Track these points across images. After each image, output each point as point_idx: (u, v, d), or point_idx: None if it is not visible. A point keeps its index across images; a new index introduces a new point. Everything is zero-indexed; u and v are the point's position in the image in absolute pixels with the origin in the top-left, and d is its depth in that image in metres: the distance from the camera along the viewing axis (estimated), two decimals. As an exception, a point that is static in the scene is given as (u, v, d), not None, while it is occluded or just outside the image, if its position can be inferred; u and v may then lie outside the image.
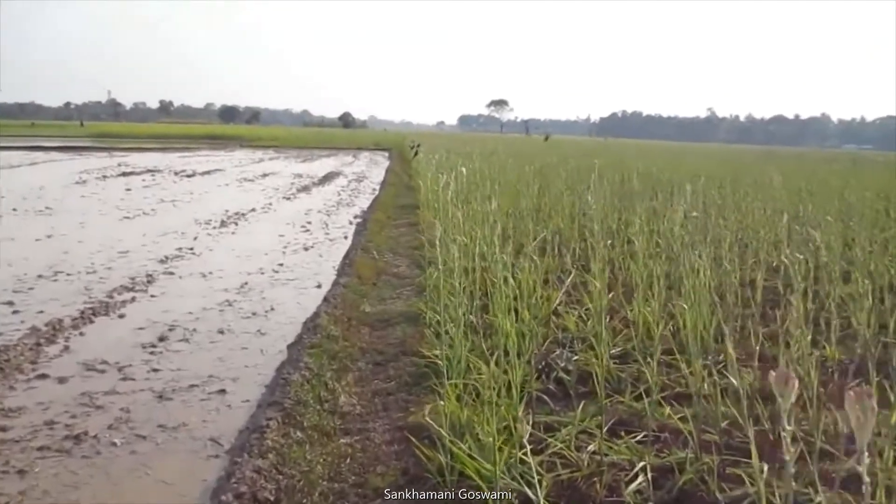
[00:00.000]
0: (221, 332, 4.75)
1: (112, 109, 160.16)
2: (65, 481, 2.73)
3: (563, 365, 4.14)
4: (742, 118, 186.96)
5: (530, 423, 3.12)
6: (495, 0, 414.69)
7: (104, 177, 16.86)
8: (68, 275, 6.29)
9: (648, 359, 4.17)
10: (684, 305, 4.57)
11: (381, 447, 3.11)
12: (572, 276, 5.58)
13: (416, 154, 16.40)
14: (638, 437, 3.23)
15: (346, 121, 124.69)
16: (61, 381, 3.77)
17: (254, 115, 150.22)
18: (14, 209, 10.61)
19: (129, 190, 14.00)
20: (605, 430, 3.22)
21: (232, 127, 78.50)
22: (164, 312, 5.18)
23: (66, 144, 33.73)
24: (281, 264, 7.08)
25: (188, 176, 17.98)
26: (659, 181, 10.76)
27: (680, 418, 3.29)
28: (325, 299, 5.50)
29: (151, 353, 4.27)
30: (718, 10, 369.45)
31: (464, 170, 5.63)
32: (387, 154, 33.10)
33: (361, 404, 3.59)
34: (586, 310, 5.21)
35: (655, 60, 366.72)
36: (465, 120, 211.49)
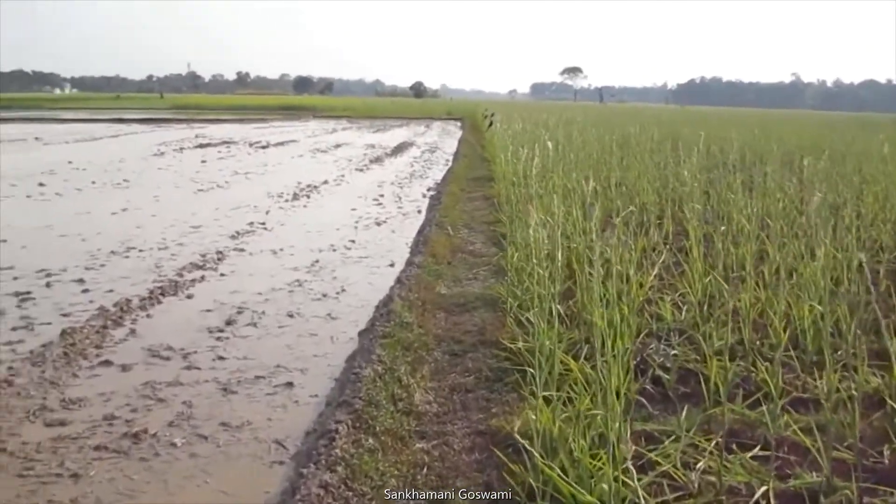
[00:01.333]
0: (291, 315, 4.52)
1: (191, 81, 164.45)
2: (119, 488, 2.51)
3: (660, 361, 3.72)
4: (829, 83, 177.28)
5: (628, 432, 2.76)
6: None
7: (181, 149, 17.06)
8: (140, 251, 6.20)
9: (758, 356, 3.72)
10: (800, 294, 4.08)
11: (460, 455, 2.78)
12: (664, 256, 5.11)
13: (490, 125, 15.91)
14: (754, 453, 2.80)
15: (417, 90, 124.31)
16: (125, 368, 3.59)
17: (327, 86, 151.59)
18: (93, 182, 10.74)
19: (204, 162, 14.07)
20: (716, 442, 2.81)
21: (306, 97, 79.36)
22: (232, 293, 4.99)
23: (147, 116, 34.66)
24: (353, 241, 6.83)
25: (262, 147, 18.03)
26: (754, 152, 10.02)
27: (803, 430, 2.85)
28: (399, 280, 5.21)
29: (218, 338, 4.06)
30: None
31: (549, 143, 5.18)
32: (459, 124, 32.63)
33: (438, 402, 3.27)
34: (681, 295, 4.75)
35: (736, 23, 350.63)
36: (537, 88, 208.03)
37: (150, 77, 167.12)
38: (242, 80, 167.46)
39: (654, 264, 5.03)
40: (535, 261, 4.37)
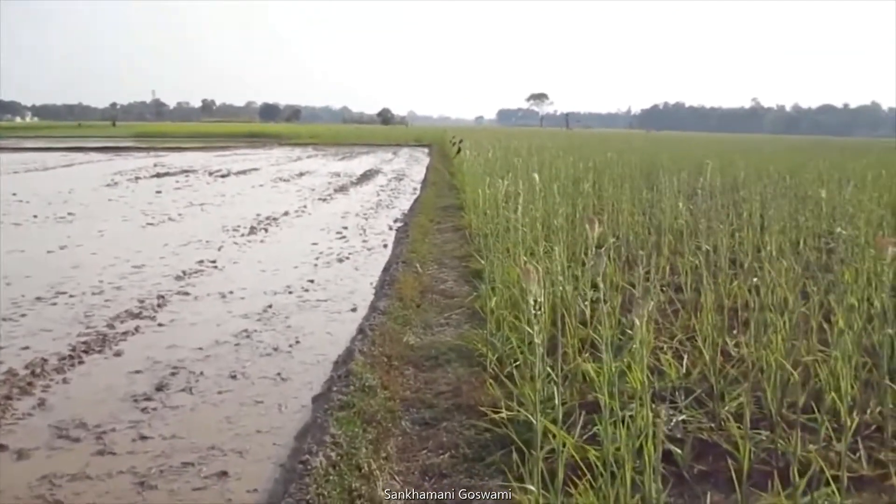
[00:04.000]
0: (234, 376, 3.88)
1: (156, 109, 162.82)
2: None
3: (668, 430, 3.16)
4: (788, 108, 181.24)
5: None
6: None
7: (136, 178, 16.28)
8: (70, 296, 5.51)
9: (782, 420, 3.19)
10: (831, 352, 3.55)
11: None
12: (651, 295, 4.58)
13: (458, 151, 15.44)
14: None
15: (384, 117, 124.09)
16: (21, 456, 2.92)
17: (294, 113, 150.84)
18: (35, 216, 9.96)
19: (159, 193, 13.33)
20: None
21: (272, 125, 78.60)
22: (169, 348, 4.33)
23: (107, 145, 33.62)
24: (311, 280, 6.20)
25: (223, 176, 17.33)
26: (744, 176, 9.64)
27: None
28: (361, 330, 4.59)
29: (144, 409, 3.40)
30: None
31: (536, 175, 4.65)
32: (427, 150, 32.20)
33: (407, 492, 2.67)
34: (680, 342, 4.23)
35: (697, 50, 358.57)
36: (504, 114, 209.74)
37: (113, 105, 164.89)
38: (208, 108, 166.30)
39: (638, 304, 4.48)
40: (524, 317, 3.82)
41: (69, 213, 10.23)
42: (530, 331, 3.09)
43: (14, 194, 12.59)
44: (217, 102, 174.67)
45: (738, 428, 3.05)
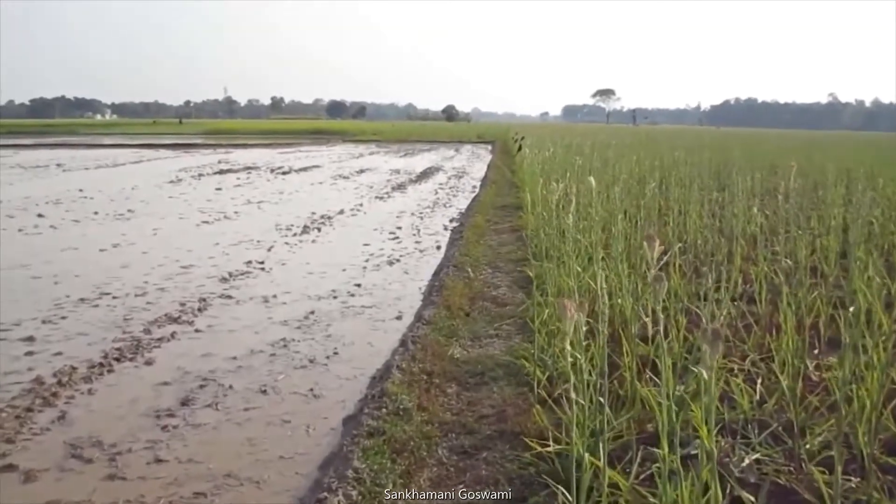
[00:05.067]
0: (264, 390, 3.64)
1: (228, 106, 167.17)
2: None
3: (739, 473, 2.76)
4: (868, 103, 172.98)
5: None
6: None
7: (199, 175, 16.47)
8: (114, 297, 5.41)
9: (876, 467, 2.74)
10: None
11: None
12: (722, 308, 4.13)
13: (519, 148, 15.03)
14: None
15: (449, 113, 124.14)
16: (28, 478, 2.73)
17: (360, 110, 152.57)
18: (95, 213, 10.07)
19: (219, 189, 13.40)
20: None
21: (337, 122, 79.46)
22: (202, 357, 4.14)
23: (177, 142, 34.46)
24: (358, 285, 5.96)
25: (283, 173, 17.37)
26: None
27: None
28: (403, 342, 4.31)
29: (164, 427, 3.19)
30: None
31: (592, 179, 4.26)
32: (489, 147, 31.81)
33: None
34: (753, 363, 3.79)
35: (771, 42, 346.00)
36: (569, 110, 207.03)
37: (187, 102, 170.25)
38: (277, 105, 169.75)
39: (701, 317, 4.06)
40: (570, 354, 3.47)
41: (129, 211, 10.31)
42: (578, 355, 2.74)
43: (81, 190, 12.85)
44: (286, 100, 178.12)
45: (822, 473, 2.64)
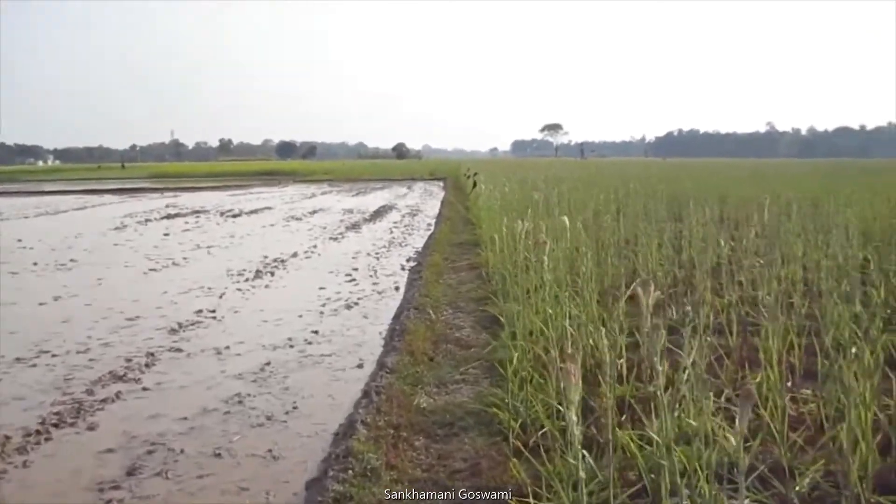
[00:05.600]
0: (218, 454, 3.38)
1: (175, 150, 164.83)
2: None
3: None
4: (804, 131, 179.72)
5: None
6: (545, 25, 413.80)
7: (146, 220, 16.00)
8: (53, 356, 5.07)
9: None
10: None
11: None
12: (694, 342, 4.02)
13: (475, 185, 15.00)
14: None
15: (399, 151, 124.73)
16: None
17: (310, 150, 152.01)
18: (35, 263, 9.61)
19: (166, 235, 12.99)
20: None
21: (287, 162, 78.93)
22: (150, 418, 3.85)
23: (122, 187, 33.67)
24: (315, 331, 5.72)
25: (234, 216, 17.01)
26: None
27: None
28: (366, 393, 4.09)
29: (108, 501, 2.91)
30: (773, 18, 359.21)
31: (566, 219, 4.15)
32: (441, 184, 31.87)
33: None
34: (729, 399, 3.67)
35: (710, 76, 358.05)
36: (518, 145, 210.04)
37: (133, 146, 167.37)
38: (225, 147, 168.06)
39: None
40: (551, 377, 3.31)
41: (71, 260, 9.87)
42: (560, 408, 2.58)
43: (19, 241, 12.31)
44: (234, 141, 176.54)
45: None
